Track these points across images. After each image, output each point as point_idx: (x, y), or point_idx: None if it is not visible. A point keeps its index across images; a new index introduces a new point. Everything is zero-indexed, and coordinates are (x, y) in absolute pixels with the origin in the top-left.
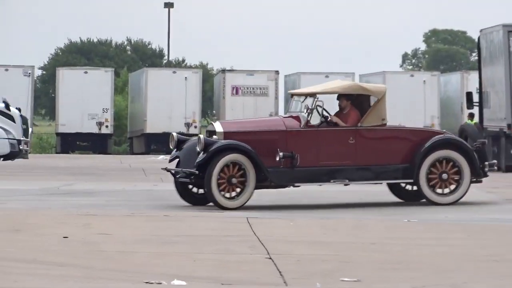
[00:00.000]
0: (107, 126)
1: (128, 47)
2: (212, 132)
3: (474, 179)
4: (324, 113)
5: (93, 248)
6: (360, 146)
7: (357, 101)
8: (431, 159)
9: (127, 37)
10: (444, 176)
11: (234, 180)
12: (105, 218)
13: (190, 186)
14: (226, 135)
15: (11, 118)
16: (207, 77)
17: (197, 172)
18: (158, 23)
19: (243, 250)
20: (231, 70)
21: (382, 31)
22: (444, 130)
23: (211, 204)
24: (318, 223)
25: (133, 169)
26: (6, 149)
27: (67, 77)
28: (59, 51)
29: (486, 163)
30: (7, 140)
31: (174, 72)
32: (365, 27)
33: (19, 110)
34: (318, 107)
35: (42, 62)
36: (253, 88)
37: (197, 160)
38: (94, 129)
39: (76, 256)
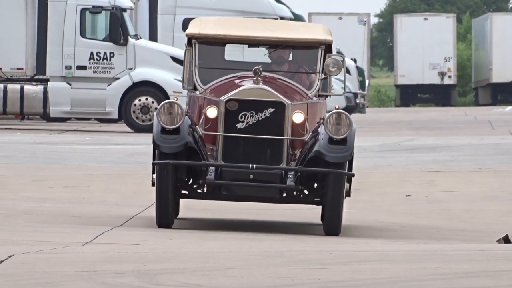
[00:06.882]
0: (449, 77)
1: None
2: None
3: None
4: None
5: (438, 207)
6: None
7: None
8: None
9: None
10: None
11: None
12: (449, 174)
13: None
14: None
15: (346, 70)
16: None
17: None
18: None
19: None
20: None
21: None
22: None
23: None
24: None
25: (479, 121)
26: (342, 103)
27: (405, 24)
28: None
29: None
30: None
31: None
32: None
33: (355, 61)
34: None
35: (378, 9)
36: None
37: None
38: (436, 80)
39: (419, 216)
